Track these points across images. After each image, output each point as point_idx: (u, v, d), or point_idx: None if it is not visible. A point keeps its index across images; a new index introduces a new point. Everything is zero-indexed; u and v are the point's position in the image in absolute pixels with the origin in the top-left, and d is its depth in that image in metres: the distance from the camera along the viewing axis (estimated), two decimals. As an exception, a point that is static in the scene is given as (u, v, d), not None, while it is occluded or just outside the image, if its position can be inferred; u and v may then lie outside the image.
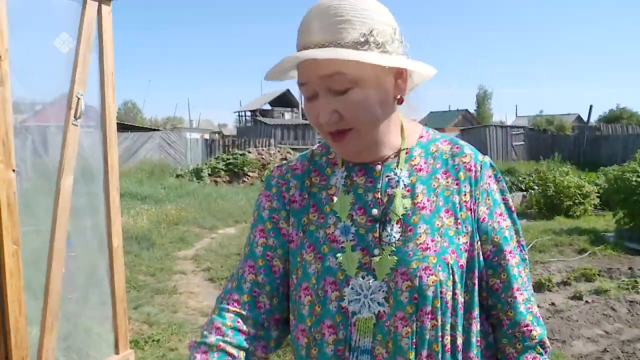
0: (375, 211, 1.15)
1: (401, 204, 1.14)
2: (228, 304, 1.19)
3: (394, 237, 1.12)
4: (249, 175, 18.48)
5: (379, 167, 1.19)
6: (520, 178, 15.20)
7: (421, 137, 1.25)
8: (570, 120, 39.68)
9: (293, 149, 23.03)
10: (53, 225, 2.58)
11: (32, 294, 2.56)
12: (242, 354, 1.14)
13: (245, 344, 1.15)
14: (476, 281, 1.16)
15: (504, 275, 1.18)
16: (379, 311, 1.09)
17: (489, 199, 1.19)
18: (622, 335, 4.78)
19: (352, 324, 1.10)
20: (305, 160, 1.30)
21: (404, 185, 1.17)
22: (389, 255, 1.11)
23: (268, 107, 44.44)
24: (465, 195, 1.17)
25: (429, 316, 1.07)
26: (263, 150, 20.84)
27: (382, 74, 1.10)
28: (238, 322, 1.16)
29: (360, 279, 1.10)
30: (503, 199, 1.23)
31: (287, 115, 42.23)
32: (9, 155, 2.25)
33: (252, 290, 1.20)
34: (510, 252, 1.19)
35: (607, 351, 4.37)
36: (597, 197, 11.71)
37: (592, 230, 9.50)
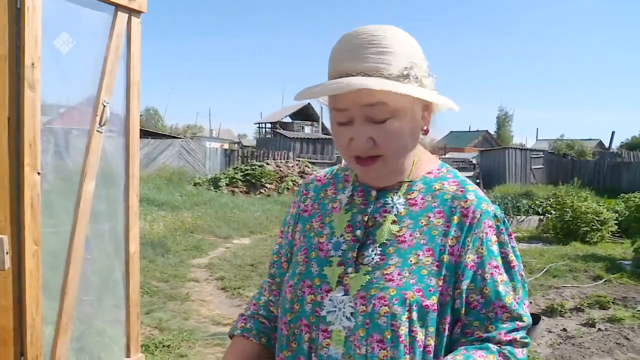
0: (359, 232, 1.22)
1: (388, 230, 1.20)
2: (264, 286, 1.45)
3: (374, 259, 1.18)
4: (266, 187, 18.56)
5: (374, 192, 1.25)
6: (537, 202, 15.09)
7: (429, 172, 1.27)
8: (591, 145, 39.31)
9: (311, 162, 23.11)
10: (73, 229, 2.64)
11: (47, 294, 2.62)
12: (271, 324, 1.36)
13: (272, 318, 1.37)
14: (447, 327, 1.15)
15: (491, 327, 1.15)
16: (348, 325, 1.15)
17: (482, 248, 1.17)
18: (634, 365, 4.73)
19: (327, 332, 1.17)
20: (330, 174, 1.40)
21: (396, 213, 1.21)
22: (363, 274, 1.17)
23: (288, 119, 44.65)
24: (452, 239, 1.17)
25: (379, 345, 1.11)
26: (281, 162, 20.93)
27: (415, 106, 1.16)
28: (269, 304, 1.40)
29: (338, 293, 1.17)
30: (502, 252, 1.19)
31: (307, 129, 42.38)
32: (35, 158, 2.33)
33: (268, 280, 1.44)
34: (501, 307, 1.15)
35: (618, 381, 4.33)
36: (616, 224, 11.58)
37: (608, 257, 9.40)
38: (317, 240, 1.27)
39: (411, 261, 1.15)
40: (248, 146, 40.15)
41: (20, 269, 2.32)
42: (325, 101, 1.27)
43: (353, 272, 1.18)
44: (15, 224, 2.30)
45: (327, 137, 36.63)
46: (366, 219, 1.23)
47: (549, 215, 12.70)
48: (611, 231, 11.77)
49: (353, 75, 1.09)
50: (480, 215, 1.18)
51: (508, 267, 1.19)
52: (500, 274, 1.17)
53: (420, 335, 1.12)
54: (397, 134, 1.13)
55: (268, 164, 20.18)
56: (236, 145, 41.94)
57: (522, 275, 1.22)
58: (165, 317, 5.35)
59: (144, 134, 29.51)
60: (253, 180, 18.62)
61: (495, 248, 1.18)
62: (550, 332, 5.61)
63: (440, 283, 1.15)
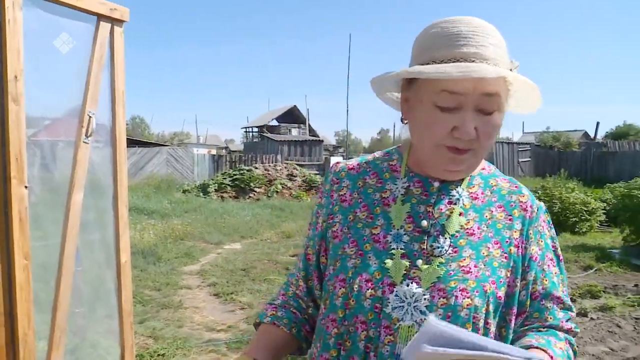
0: (425, 223, 1.18)
1: (457, 221, 1.18)
2: (290, 280, 1.40)
3: (446, 250, 1.15)
4: (256, 191, 18.53)
5: (437, 183, 1.21)
6: (526, 194, 15.13)
7: (483, 169, 1.28)
8: (577, 136, 39.59)
9: (299, 164, 23.10)
10: (63, 241, 2.63)
11: (39, 307, 2.60)
12: (302, 316, 1.33)
13: (302, 310, 1.34)
14: (513, 318, 1.17)
15: (550, 317, 1.19)
16: (421, 319, 1.09)
17: (541, 241, 1.21)
18: (627, 352, 4.77)
19: (395, 330, 1.11)
20: (364, 162, 1.33)
21: (462, 205, 1.20)
22: (437, 266, 1.13)
23: (275, 123, 44.59)
24: (516, 232, 1.19)
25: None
26: (269, 166, 20.92)
27: (506, 103, 1.15)
28: (297, 295, 1.36)
29: (405, 286, 1.11)
30: (553, 246, 1.24)
31: (294, 131, 42.35)
32: (22, 171, 2.31)
33: (296, 274, 1.38)
34: (557, 298, 1.20)
35: (612, 369, 4.37)
36: (604, 213, 11.69)
37: (598, 247, 9.50)
38: (370, 232, 1.20)
39: (483, 253, 1.15)
40: (236, 151, 40.11)
41: (10, 283, 2.30)
42: (380, 87, 1.25)
43: (424, 264, 1.14)
44: (4, 238, 2.28)
45: (314, 138, 36.68)
46: (430, 210, 1.19)
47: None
48: (600, 221, 11.88)
49: (475, 61, 1.06)
50: (537, 210, 1.23)
51: (557, 260, 1.24)
52: (554, 266, 1.22)
53: (493, 327, 1.13)
54: (497, 128, 1.13)
55: (256, 168, 20.17)
56: (224, 150, 41.93)
57: (563, 267, 1.27)
58: (159, 326, 5.33)
59: (131, 142, 29.41)
60: (242, 185, 18.59)
61: (549, 241, 1.23)
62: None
63: (509, 275, 1.16)
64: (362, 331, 1.13)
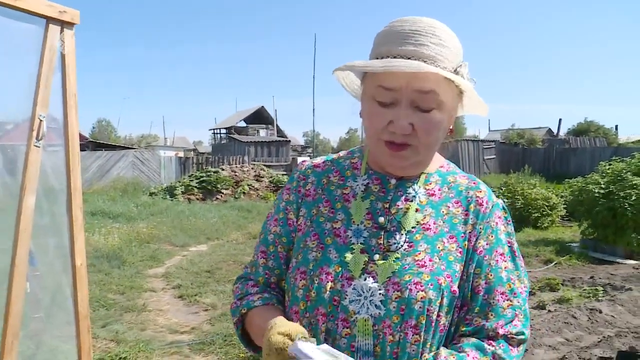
0: (382, 219, 1.22)
1: (413, 217, 1.21)
2: (247, 284, 1.36)
3: (402, 245, 1.18)
4: (223, 193, 18.44)
5: (393, 180, 1.26)
6: (490, 191, 15.39)
7: (441, 167, 1.32)
8: (540, 133, 40.36)
9: (267, 165, 23.07)
10: (14, 245, 2.61)
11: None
12: (282, 297, 1.32)
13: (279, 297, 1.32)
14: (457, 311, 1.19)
15: (491, 314, 1.17)
16: (376, 313, 1.13)
17: (492, 236, 1.22)
18: (581, 342, 4.92)
19: (352, 322, 1.14)
20: (329, 161, 1.38)
21: (419, 202, 1.23)
22: (393, 261, 1.16)
23: (243, 124, 44.39)
24: (469, 226, 1.22)
25: (413, 330, 1.12)
26: (236, 167, 20.83)
27: (454, 104, 1.19)
28: (265, 292, 1.32)
29: (362, 280, 1.15)
30: (509, 242, 1.25)
31: (263, 132, 42.24)
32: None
33: (264, 273, 1.34)
34: (502, 294, 1.18)
35: (566, 358, 4.49)
36: (564, 208, 11.97)
37: (558, 241, 9.74)
38: (331, 226, 1.24)
39: (439, 247, 1.18)
40: (204, 153, 39.82)
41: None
42: (348, 81, 1.29)
43: (380, 259, 1.17)
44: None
45: (281, 139, 36.66)
46: (387, 206, 1.23)
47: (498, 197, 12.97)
48: (561, 215, 12.17)
49: (411, 59, 1.10)
50: (492, 206, 1.25)
51: (513, 256, 1.24)
52: (505, 262, 1.21)
53: (443, 320, 1.15)
54: (437, 126, 1.14)
55: (223, 169, 20.06)
56: (192, 152, 41.59)
57: (524, 267, 1.26)
58: (122, 329, 5.29)
59: (97, 146, 29.06)
60: (209, 187, 18.48)
61: (503, 237, 1.24)
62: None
63: (463, 269, 1.19)
64: (323, 323, 1.16)
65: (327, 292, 1.16)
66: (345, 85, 1.32)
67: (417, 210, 1.22)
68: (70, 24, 2.83)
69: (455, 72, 1.15)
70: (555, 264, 8.14)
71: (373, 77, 1.16)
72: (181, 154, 29.69)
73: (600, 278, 7.12)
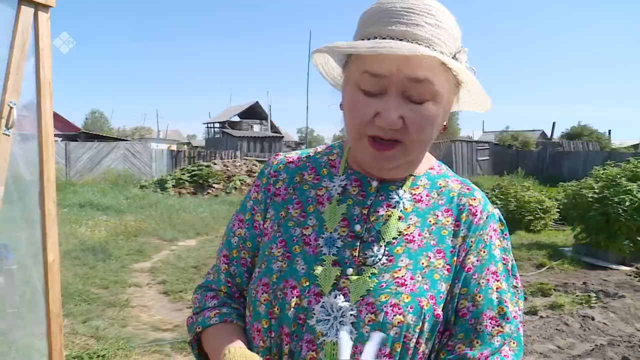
0: (358, 227, 1.05)
1: (395, 226, 1.04)
2: (207, 295, 1.18)
3: (379, 259, 1.01)
4: (214, 187, 18.30)
5: (375, 182, 1.09)
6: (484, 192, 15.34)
7: (431, 168, 1.15)
8: (534, 136, 40.34)
9: (259, 160, 22.91)
10: (-19, 239, 2.47)
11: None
12: (242, 310, 1.14)
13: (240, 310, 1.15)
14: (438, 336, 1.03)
15: (476, 342, 1.00)
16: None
17: (484, 251, 1.06)
18: (573, 349, 4.81)
19: (318, 345, 0.98)
20: (305, 156, 1.20)
21: (402, 209, 1.06)
22: (369, 277, 1.00)
23: (237, 119, 44.19)
24: (459, 239, 1.05)
25: (386, 359, 0.96)
26: (229, 162, 20.68)
27: (450, 97, 1.02)
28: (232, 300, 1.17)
29: (332, 298, 0.99)
30: (503, 259, 1.08)
31: (256, 127, 42.08)
32: None
33: (226, 281, 1.17)
34: (491, 319, 1.02)
35: (558, 367, 4.39)
36: (557, 212, 11.89)
37: (551, 244, 9.66)
38: (301, 232, 1.07)
39: (423, 264, 1.02)
40: (197, 147, 39.64)
41: None
42: (327, 68, 1.11)
43: (354, 274, 1.00)
44: None
45: (274, 135, 36.56)
46: (366, 213, 1.06)
47: (495, 206, 12.92)
48: (554, 219, 12.08)
49: (403, 40, 0.93)
50: (487, 217, 1.09)
51: (508, 275, 1.07)
52: (498, 281, 1.04)
53: (422, 347, 0.99)
54: (430, 121, 0.98)
55: (215, 163, 19.91)
56: (185, 146, 41.41)
57: (520, 288, 1.09)
58: (103, 325, 5.14)
59: (89, 137, 28.84)
60: (200, 181, 18.33)
61: (497, 253, 1.07)
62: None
63: (449, 289, 1.03)
64: (286, 344, 1.00)
65: (292, 309, 1.00)
66: (324, 72, 1.14)
67: (400, 218, 1.05)
68: (45, 7, 2.68)
69: (454, 58, 0.98)
70: (548, 268, 8.04)
71: (358, 62, 0.98)
72: (173, 147, 29.50)
73: (593, 284, 7.03)
